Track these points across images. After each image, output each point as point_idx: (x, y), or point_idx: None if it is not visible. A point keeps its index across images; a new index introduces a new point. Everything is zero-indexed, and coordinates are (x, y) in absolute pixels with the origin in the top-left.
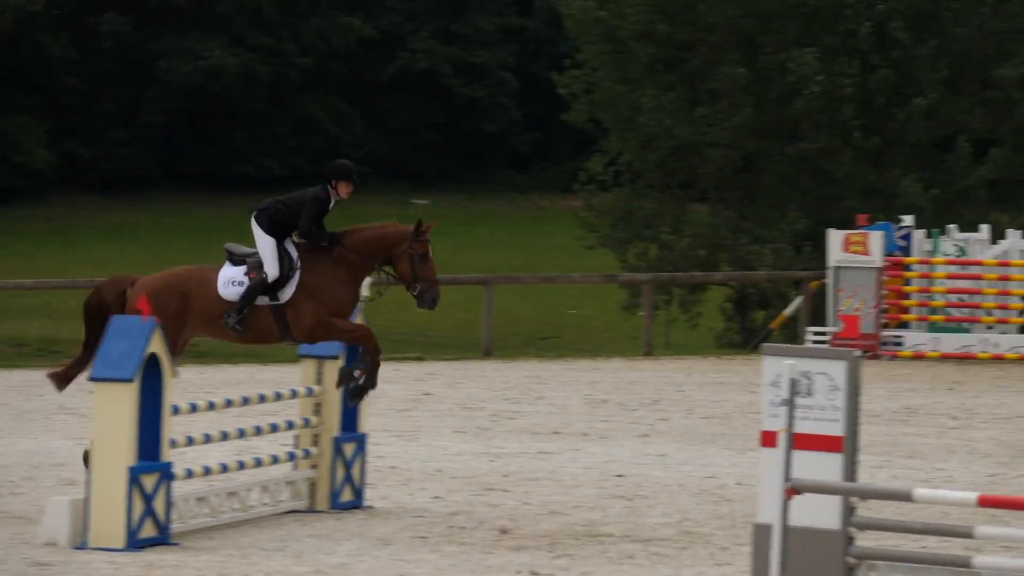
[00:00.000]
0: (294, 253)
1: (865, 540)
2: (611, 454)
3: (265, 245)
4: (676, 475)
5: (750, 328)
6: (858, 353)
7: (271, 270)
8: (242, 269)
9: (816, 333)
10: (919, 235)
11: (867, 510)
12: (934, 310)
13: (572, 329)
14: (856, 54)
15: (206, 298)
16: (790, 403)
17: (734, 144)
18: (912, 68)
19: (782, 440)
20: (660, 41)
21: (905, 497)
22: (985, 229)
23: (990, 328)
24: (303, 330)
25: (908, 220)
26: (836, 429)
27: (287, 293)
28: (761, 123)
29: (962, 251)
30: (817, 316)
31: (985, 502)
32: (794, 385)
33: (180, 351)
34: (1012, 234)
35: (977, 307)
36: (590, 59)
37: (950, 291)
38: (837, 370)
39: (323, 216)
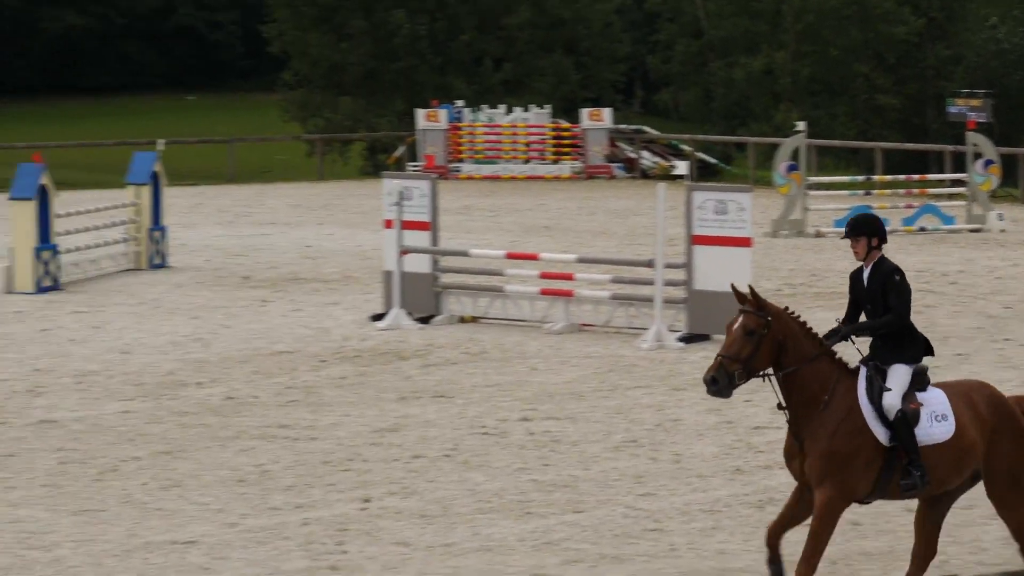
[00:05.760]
0: None
1: (445, 279)
2: (302, 236)
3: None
4: (340, 245)
5: (378, 164)
6: (435, 176)
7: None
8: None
9: (413, 166)
10: (467, 112)
11: (444, 262)
12: (476, 152)
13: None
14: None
15: None
16: (399, 204)
17: (362, 64)
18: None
19: (396, 224)
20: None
21: (464, 254)
22: (502, 108)
23: (507, 162)
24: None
25: (460, 103)
26: (425, 217)
27: None
28: (379, 51)
29: (491, 119)
30: (412, 157)
31: (510, 256)
32: (400, 195)
33: None
34: (517, 110)
35: (500, 151)
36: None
37: (485, 142)
38: (424, 186)
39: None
